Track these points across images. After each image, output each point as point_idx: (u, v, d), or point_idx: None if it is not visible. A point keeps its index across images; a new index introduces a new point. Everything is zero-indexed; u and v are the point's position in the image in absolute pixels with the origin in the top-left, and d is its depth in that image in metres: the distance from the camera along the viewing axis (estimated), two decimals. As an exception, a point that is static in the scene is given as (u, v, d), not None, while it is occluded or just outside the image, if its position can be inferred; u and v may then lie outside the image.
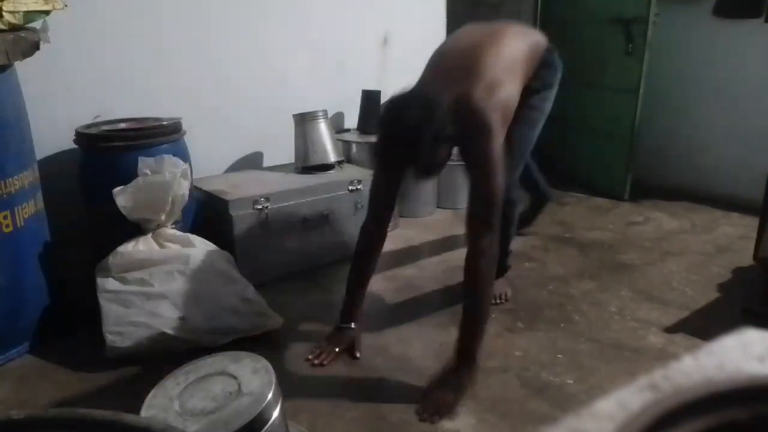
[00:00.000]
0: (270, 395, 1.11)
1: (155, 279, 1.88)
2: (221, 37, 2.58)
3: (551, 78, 2.04)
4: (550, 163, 3.09)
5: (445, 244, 2.74)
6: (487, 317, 1.67)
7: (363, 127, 3.05)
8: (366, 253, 1.89)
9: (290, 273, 2.44)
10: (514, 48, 1.85)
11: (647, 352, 1.89)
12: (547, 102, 2.06)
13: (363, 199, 2.48)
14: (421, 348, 1.93)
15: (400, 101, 1.59)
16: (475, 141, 1.65)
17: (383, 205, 1.88)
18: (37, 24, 1.79)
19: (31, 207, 1.84)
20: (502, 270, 2.23)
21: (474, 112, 1.64)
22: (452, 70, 1.75)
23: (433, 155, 1.60)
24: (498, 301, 2.18)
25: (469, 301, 1.66)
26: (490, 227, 1.62)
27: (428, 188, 3.06)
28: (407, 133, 1.54)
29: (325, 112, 2.69)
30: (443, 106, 1.56)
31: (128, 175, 1.92)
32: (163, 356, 1.73)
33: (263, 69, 2.74)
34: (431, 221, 3.09)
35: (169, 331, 1.80)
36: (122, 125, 2.21)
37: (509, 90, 1.76)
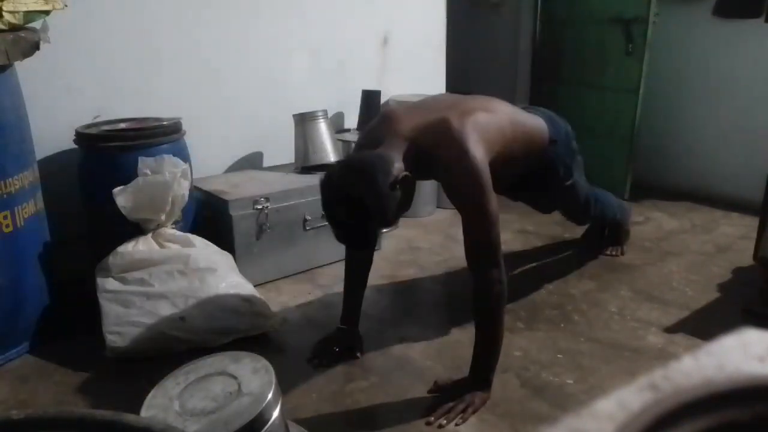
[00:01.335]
0: (270, 395, 1.11)
1: (155, 279, 1.88)
2: (221, 37, 2.58)
3: (563, 171, 2.07)
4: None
5: (445, 244, 2.75)
6: (501, 343, 1.64)
7: (363, 127, 3.05)
8: (355, 261, 1.90)
9: (290, 273, 2.44)
10: (501, 105, 1.82)
11: (647, 352, 1.89)
12: (575, 170, 2.13)
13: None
14: (421, 348, 1.93)
15: (330, 192, 1.50)
16: (453, 171, 1.57)
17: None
18: (37, 24, 1.79)
19: (31, 207, 1.84)
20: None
21: (445, 134, 1.55)
22: (425, 110, 1.68)
23: (388, 215, 1.53)
24: (613, 253, 2.60)
25: (481, 331, 1.63)
26: (491, 261, 1.57)
27: (428, 188, 3.06)
28: (355, 227, 1.50)
29: (325, 112, 2.69)
30: (380, 162, 1.49)
31: (128, 175, 1.93)
32: (163, 356, 1.73)
33: (263, 69, 2.74)
34: (431, 221, 3.09)
35: (169, 331, 1.80)
36: (122, 125, 2.21)
37: (488, 119, 1.66)
